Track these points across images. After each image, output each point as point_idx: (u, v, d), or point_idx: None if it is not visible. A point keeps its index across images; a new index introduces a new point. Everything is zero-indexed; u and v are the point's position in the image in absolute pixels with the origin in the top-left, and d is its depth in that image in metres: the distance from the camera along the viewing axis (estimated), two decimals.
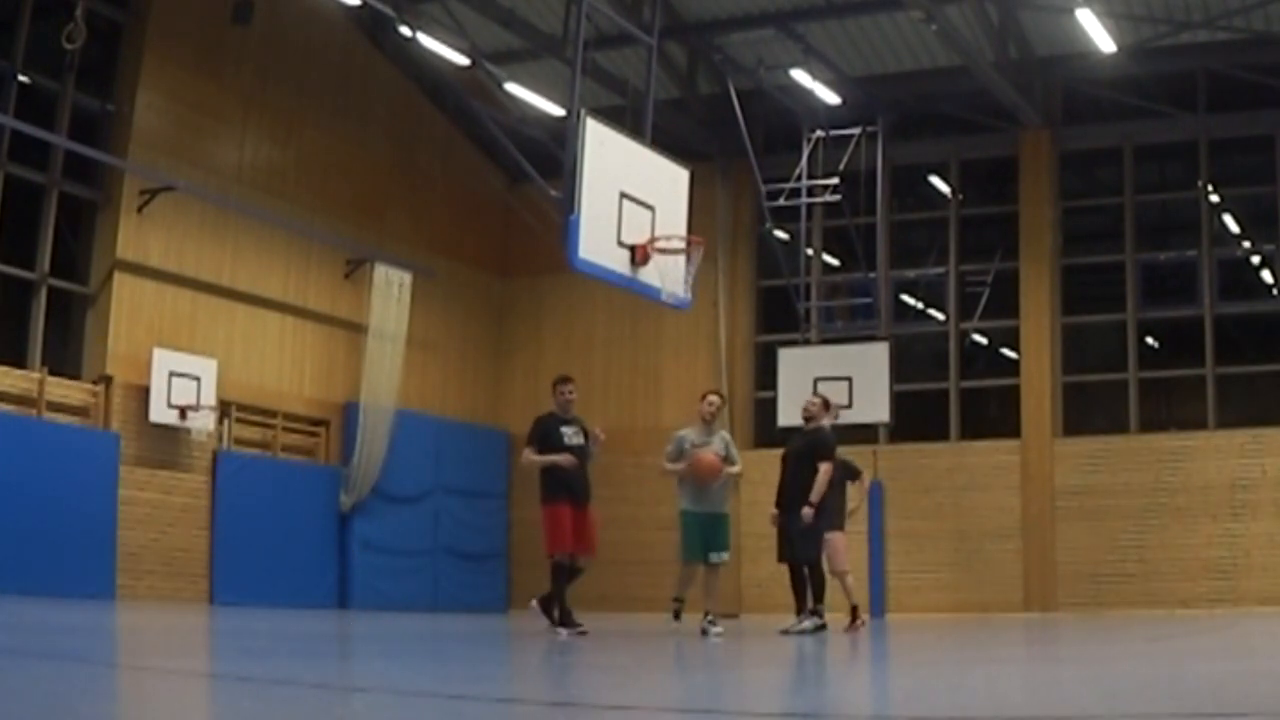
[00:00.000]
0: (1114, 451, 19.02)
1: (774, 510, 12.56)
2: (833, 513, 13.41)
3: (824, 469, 12.23)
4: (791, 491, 12.36)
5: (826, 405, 13.37)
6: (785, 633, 11.99)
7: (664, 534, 20.86)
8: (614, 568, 20.68)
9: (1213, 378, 18.95)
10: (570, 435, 11.54)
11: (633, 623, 15.96)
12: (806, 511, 12.09)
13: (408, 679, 6.29)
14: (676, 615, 12.22)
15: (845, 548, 13.84)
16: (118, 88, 16.94)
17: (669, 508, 20.75)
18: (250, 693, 5.36)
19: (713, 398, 12.38)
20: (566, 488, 11.44)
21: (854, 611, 13.42)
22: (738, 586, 20.11)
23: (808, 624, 12.09)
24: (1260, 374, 19.38)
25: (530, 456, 11.56)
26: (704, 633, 11.44)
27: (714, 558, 11.98)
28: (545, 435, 11.54)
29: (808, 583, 12.37)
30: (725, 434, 12.54)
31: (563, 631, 11.21)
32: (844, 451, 19.55)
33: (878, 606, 19.40)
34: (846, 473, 13.89)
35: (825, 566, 13.18)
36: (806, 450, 12.45)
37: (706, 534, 11.98)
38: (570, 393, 11.69)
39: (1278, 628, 12.43)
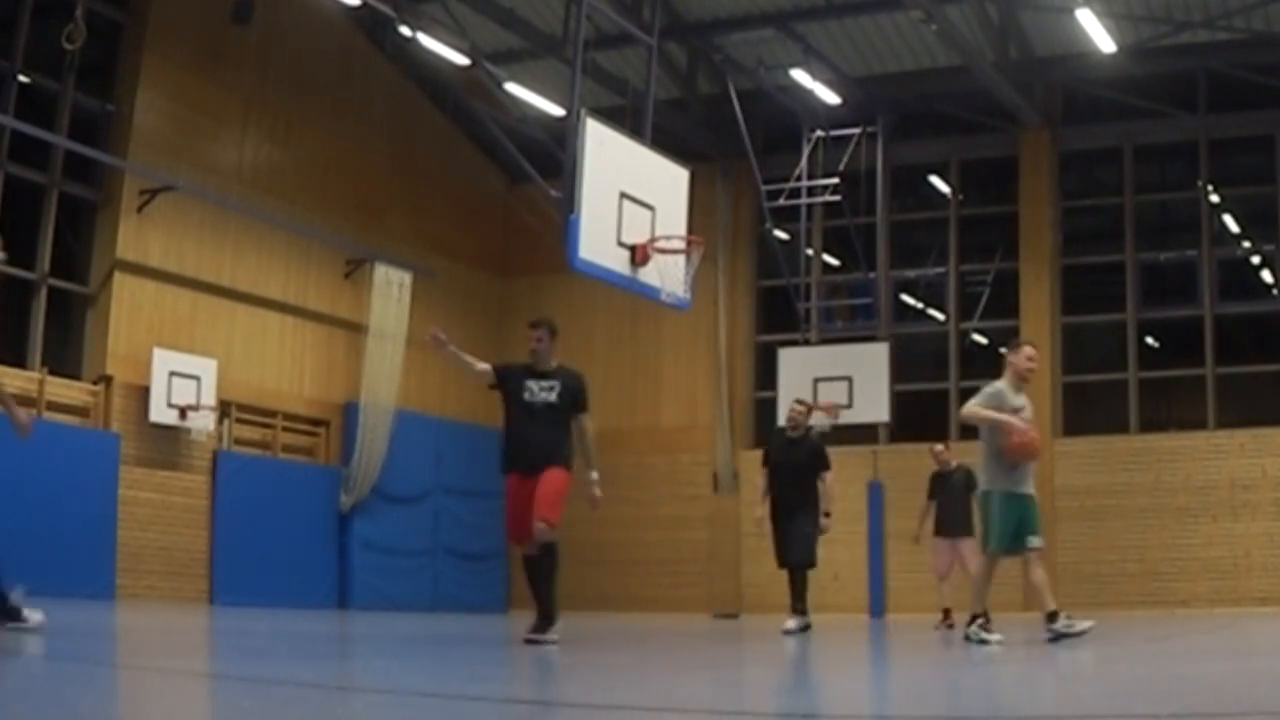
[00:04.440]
0: (1114, 451, 19.02)
1: (758, 514, 12.74)
2: (961, 521, 14.40)
3: (831, 478, 12.68)
4: (796, 500, 12.54)
5: (810, 410, 13.60)
6: (788, 633, 12.09)
7: (664, 534, 20.93)
8: (614, 568, 20.71)
9: (1213, 378, 18.95)
10: (537, 390, 9.47)
11: (633, 623, 15.96)
12: (826, 522, 12.55)
13: (408, 679, 6.29)
14: (985, 625, 9.67)
15: (976, 553, 13.99)
16: (118, 88, 16.94)
17: (669, 508, 20.97)
18: (250, 693, 5.36)
19: (1031, 350, 9.99)
20: (512, 454, 9.49)
21: (948, 613, 14.28)
22: (737, 586, 20.13)
23: (793, 624, 12.28)
24: (1260, 374, 19.38)
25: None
26: (1056, 636, 9.41)
27: (1036, 542, 9.80)
28: (504, 387, 9.63)
29: (807, 585, 12.66)
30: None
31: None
32: (846, 452, 19.68)
33: (878, 606, 19.41)
34: (970, 485, 14.40)
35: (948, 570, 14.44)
36: (808, 462, 12.66)
37: (1027, 517, 9.82)
38: (539, 339, 9.58)
39: (1278, 628, 12.42)
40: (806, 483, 12.56)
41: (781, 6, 18.95)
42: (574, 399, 9.48)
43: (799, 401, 13.41)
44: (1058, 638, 9.32)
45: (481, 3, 17.42)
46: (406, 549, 19.65)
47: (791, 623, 12.26)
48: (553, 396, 9.42)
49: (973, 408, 9.71)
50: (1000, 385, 9.83)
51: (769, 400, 19.78)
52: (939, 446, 15.30)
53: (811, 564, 12.65)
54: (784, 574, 12.74)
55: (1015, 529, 9.62)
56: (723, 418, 20.86)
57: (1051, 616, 9.45)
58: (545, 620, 9.22)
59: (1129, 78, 18.67)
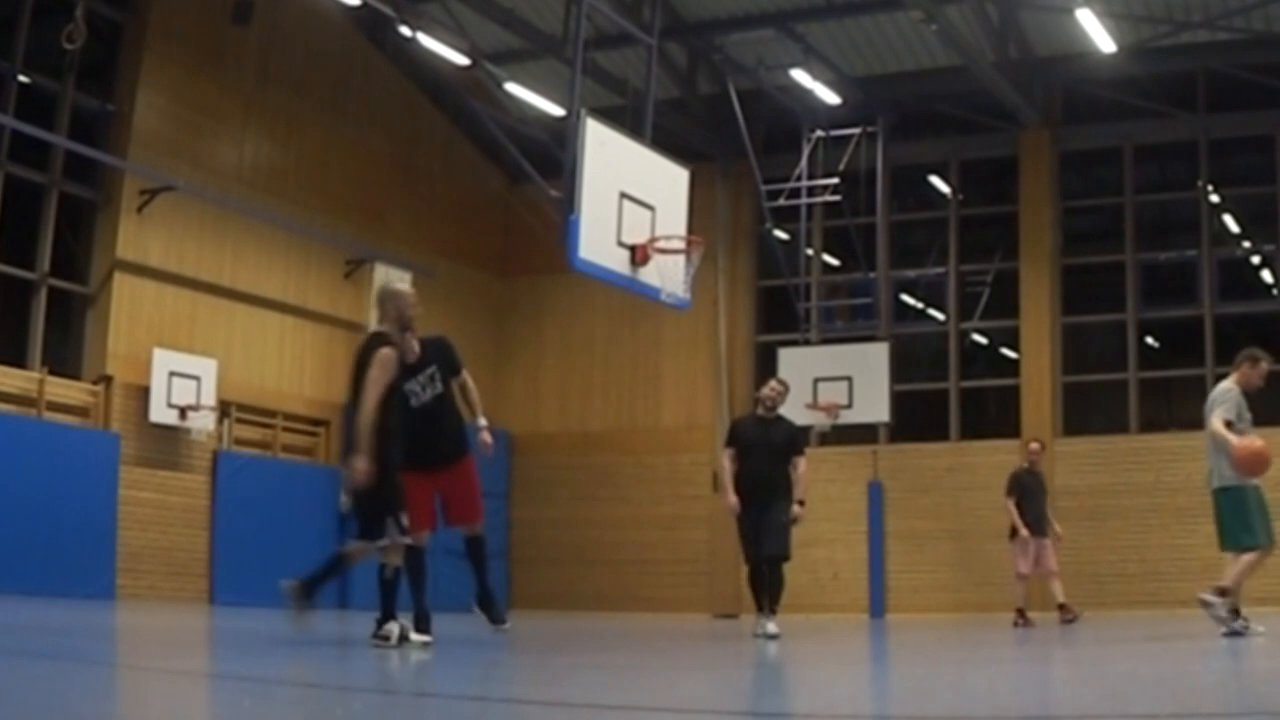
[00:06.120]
0: (1114, 451, 19.01)
1: (733, 501, 11.58)
2: (1040, 520, 14.94)
3: (805, 464, 11.68)
4: (773, 484, 11.56)
5: (787, 391, 12.27)
6: (769, 637, 11.18)
7: (664, 534, 20.91)
8: (614, 568, 20.71)
9: (1213, 378, 18.84)
10: (421, 389, 8.86)
11: (633, 623, 15.97)
12: (799, 510, 11.53)
13: (407, 679, 6.29)
14: (1237, 613, 9.71)
15: (1054, 551, 15.14)
16: (118, 88, 16.95)
17: (669, 508, 20.95)
18: (250, 693, 5.35)
19: (1268, 367, 10.01)
20: (413, 454, 8.85)
21: (1064, 608, 14.68)
22: (737, 586, 20.11)
23: (772, 627, 11.33)
24: None
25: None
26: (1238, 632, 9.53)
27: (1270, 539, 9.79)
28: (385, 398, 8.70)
29: (784, 582, 11.68)
30: None
31: (413, 635, 8.90)
32: (846, 452, 19.68)
33: (878, 606, 19.41)
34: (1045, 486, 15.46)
35: (1024, 570, 14.77)
36: (786, 443, 11.69)
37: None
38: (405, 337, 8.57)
39: (1277, 628, 12.41)
40: (781, 467, 11.55)
41: (781, 6, 18.95)
42: (453, 370, 8.91)
43: (779, 381, 12.21)
44: (1233, 634, 9.51)
45: (481, 3, 17.41)
46: None
47: (770, 625, 11.27)
48: (438, 386, 8.82)
49: (1221, 428, 9.74)
50: (1237, 390, 10.01)
51: None
52: (1035, 445, 15.67)
53: (787, 556, 11.59)
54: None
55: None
56: (723, 418, 20.81)
57: (1235, 612, 9.61)
58: (495, 604, 9.45)
59: (1129, 78, 18.67)
